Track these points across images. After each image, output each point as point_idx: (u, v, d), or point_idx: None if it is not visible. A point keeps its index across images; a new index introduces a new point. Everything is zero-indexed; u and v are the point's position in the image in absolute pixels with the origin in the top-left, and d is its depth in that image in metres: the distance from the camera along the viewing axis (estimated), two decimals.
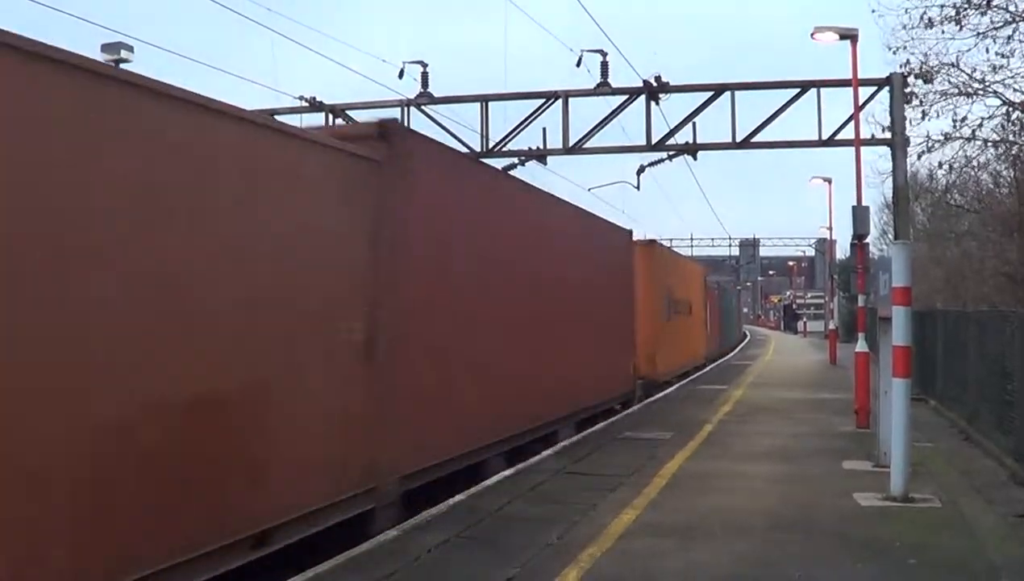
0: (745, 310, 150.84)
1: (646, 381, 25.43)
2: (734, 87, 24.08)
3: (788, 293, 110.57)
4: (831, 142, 23.73)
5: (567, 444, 16.38)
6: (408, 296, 10.63)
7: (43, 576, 6.04)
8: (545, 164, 26.21)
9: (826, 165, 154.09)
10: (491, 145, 25.42)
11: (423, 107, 25.61)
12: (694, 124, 24.71)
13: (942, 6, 20.36)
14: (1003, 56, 20.16)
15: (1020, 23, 20.16)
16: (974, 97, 21.16)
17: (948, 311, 22.60)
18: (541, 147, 25.66)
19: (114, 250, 6.62)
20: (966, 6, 20.29)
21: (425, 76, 25.51)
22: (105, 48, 30.69)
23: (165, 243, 7.08)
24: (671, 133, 24.88)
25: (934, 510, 10.76)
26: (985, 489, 11.82)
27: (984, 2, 20.39)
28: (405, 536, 9.69)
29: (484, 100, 25.37)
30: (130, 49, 31.02)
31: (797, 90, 23.77)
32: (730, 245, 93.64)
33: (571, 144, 25.07)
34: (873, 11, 21.25)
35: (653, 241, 30.37)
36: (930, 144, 21.90)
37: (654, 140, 24.85)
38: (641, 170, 27.76)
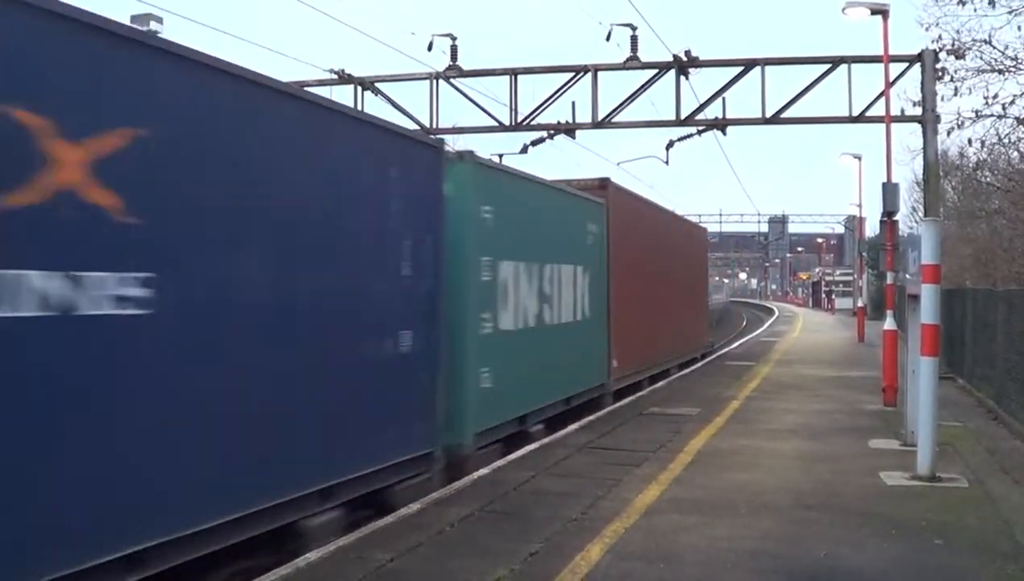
0: (774, 287, 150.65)
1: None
2: (764, 62, 23.95)
3: (817, 270, 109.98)
4: (861, 118, 23.59)
5: (592, 419, 16.37)
6: None
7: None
8: (574, 138, 26.19)
9: (856, 142, 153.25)
10: (520, 118, 25.39)
11: (452, 80, 25.58)
12: (724, 99, 24.69)
13: None
14: None
15: None
16: (1006, 74, 20.86)
17: (977, 290, 22.42)
18: (570, 121, 25.63)
19: None
20: None
21: (454, 49, 25.49)
22: (135, 19, 30.75)
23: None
24: (701, 108, 24.81)
25: (961, 490, 10.70)
26: (1013, 469, 11.75)
27: None
28: (428, 510, 9.72)
29: (513, 73, 25.33)
30: (159, 20, 31.09)
31: (828, 66, 23.64)
32: (759, 222, 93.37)
33: (600, 118, 25.04)
34: None
35: None
36: (961, 121, 21.64)
37: (683, 115, 24.79)
38: (670, 145, 27.70)
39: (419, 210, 10.76)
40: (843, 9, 19.84)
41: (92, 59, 6.41)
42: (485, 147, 62.54)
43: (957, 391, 19.96)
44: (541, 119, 25.67)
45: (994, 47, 20.30)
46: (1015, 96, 20.81)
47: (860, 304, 47.25)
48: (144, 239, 6.69)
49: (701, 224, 37.93)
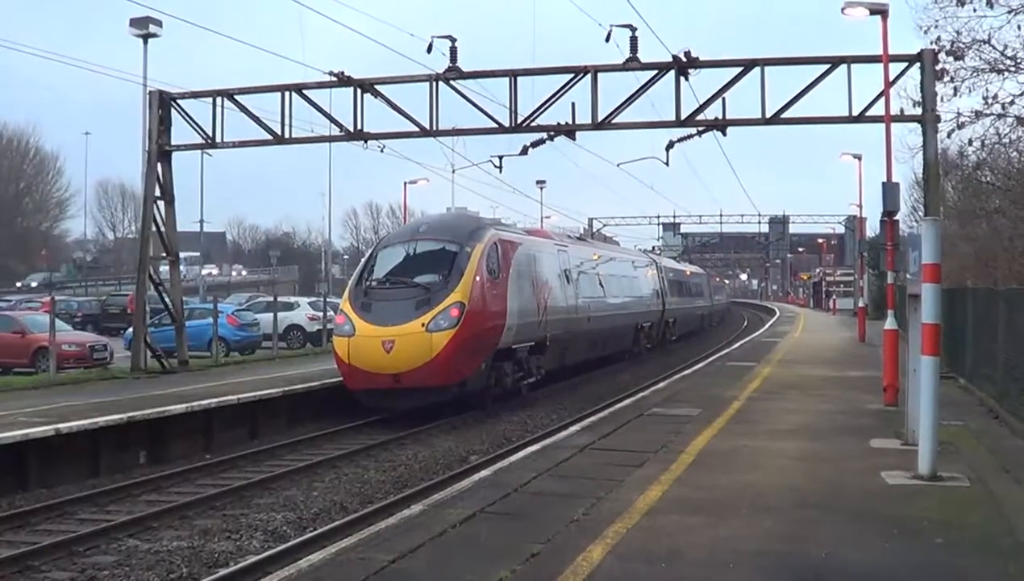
0: (775, 287, 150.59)
1: None
2: (764, 62, 23.92)
3: (818, 270, 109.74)
4: (861, 118, 23.56)
5: (594, 420, 16.38)
6: None
7: None
8: (574, 139, 26.18)
9: (856, 141, 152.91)
10: (520, 120, 25.36)
11: (452, 82, 25.55)
12: (723, 99, 24.61)
13: None
14: None
15: None
16: (1006, 74, 20.87)
17: (977, 289, 22.44)
18: (570, 122, 25.60)
19: None
20: None
21: (454, 50, 25.40)
22: (133, 23, 30.79)
23: None
24: (700, 108, 24.76)
25: (962, 489, 10.71)
26: (1014, 468, 11.74)
27: None
28: (430, 511, 9.72)
29: (513, 75, 25.30)
30: (159, 24, 31.11)
31: (827, 66, 23.59)
32: (759, 222, 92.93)
33: (600, 119, 24.99)
34: None
35: None
36: (961, 121, 21.64)
37: (683, 115, 24.75)
38: (670, 146, 27.59)
39: None
40: (842, 9, 19.83)
41: None
42: (485, 149, 62.48)
43: (958, 390, 19.95)
44: (541, 120, 25.62)
45: (993, 47, 20.33)
46: (1015, 96, 20.85)
47: (861, 304, 47.28)
48: None
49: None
